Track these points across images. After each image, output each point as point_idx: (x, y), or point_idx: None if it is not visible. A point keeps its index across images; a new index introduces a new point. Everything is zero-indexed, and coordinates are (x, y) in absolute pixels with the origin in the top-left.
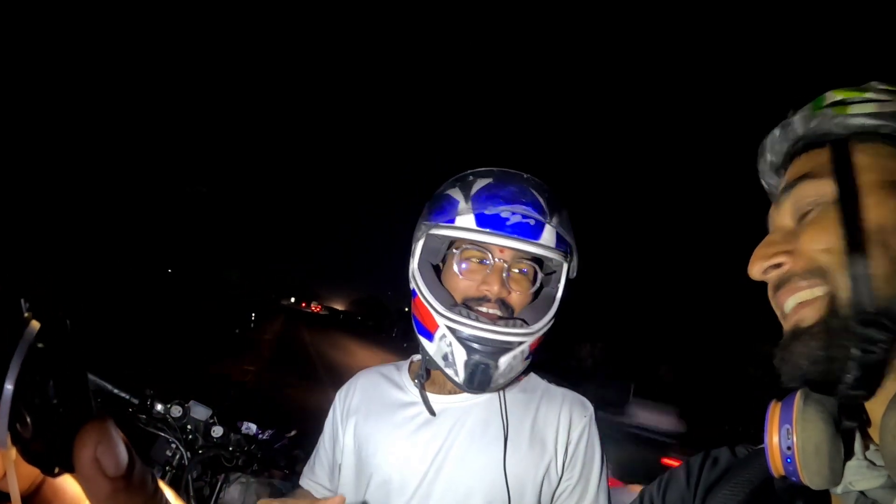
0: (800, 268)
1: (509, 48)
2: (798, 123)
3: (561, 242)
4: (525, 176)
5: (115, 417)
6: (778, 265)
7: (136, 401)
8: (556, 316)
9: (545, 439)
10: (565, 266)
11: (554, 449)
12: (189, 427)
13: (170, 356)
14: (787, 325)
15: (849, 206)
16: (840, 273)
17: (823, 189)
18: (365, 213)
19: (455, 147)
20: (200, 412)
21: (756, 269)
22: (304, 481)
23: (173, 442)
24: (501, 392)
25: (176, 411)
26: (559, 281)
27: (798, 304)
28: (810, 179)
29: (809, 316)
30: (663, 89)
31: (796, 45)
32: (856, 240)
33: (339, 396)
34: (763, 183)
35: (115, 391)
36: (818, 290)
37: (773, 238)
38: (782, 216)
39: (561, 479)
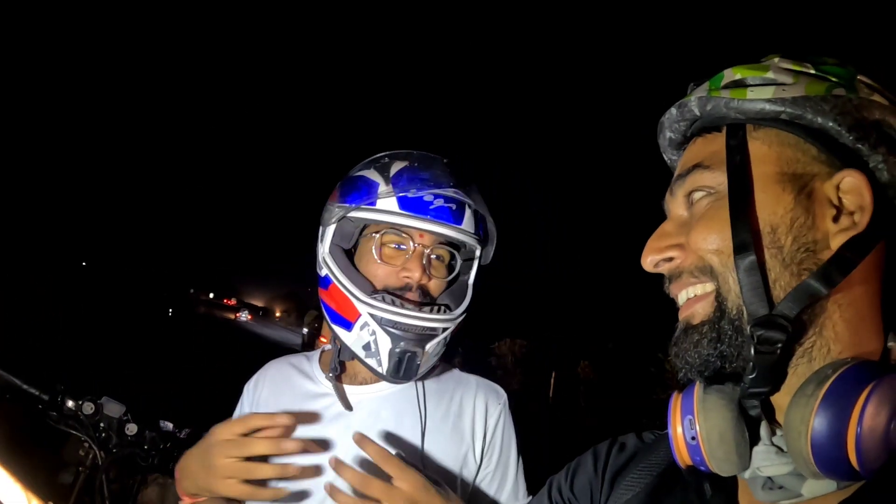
0: (689, 264)
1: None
2: (694, 104)
3: (480, 228)
4: (444, 160)
5: (24, 414)
6: (669, 259)
7: (45, 397)
8: (470, 302)
9: (462, 428)
10: (478, 251)
11: (472, 437)
12: (102, 425)
13: (82, 351)
14: (680, 318)
15: (740, 204)
16: (730, 275)
17: (717, 180)
18: (290, 208)
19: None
20: (114, 409)
21: (648, 262)
22: None
23: (86, 441)
24: (419, 382)
25: (88, 408)
26: (472, 267)
27: (689, 300)
28: (702, 169)
29: (699, 313)
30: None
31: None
32: (745, 243)
33: (248, 388)
34: (665, 158)
35: (24, 386)
36: (708, 287)
37: (667, 229)
38: (676, 205)
39: (480, 467)
